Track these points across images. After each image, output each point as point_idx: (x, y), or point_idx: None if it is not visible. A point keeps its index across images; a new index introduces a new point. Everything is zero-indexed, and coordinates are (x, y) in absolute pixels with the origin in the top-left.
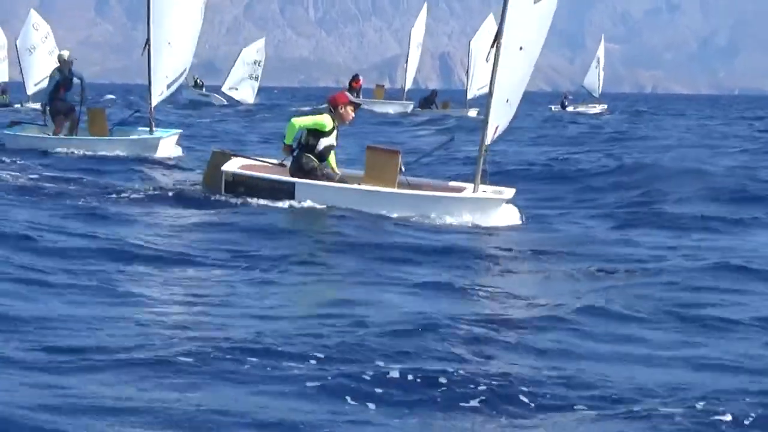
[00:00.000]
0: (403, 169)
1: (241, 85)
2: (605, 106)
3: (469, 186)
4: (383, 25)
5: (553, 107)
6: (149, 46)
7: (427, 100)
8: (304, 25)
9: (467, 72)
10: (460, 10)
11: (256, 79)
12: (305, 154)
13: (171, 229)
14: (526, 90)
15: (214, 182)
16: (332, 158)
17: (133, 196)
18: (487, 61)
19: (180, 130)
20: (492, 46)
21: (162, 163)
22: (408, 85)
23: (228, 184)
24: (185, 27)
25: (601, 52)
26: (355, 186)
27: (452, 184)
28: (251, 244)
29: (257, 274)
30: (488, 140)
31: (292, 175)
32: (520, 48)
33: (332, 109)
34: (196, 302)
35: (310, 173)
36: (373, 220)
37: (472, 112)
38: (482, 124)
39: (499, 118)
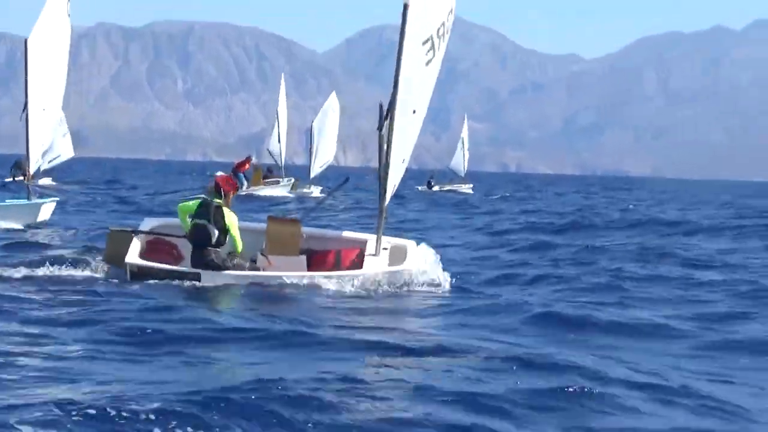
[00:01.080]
0: (304, 236)
1: (58, 150)
2: (471, 186)
3: (371, 237)
4: (251, 98)
5: (419, 188)
6: (27, 110)
7: (265, 177)
8: (171, 97)
9: (310, 150)
10: (327, 86)
11: (65, 135)
12: (213, 250)
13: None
14: None
15: (117, 261)
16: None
17: (26, 273)
18: (379, 130)
19: (57, 198)
20: (385, 118)
21: (51, 235)
22: (282, 162)
23: (133, 274)
24: (55, 93)
25: (465, 134)
26: (262, 273)
27: (352, 236)
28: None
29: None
30: (387, 200)
31: (196, 267)
32: (414, 111)
33: (224, 195)
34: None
35: (221, 268)
36: (276, 301)
37: (316, 191)
38: (380, 185)
39: (396, 178)
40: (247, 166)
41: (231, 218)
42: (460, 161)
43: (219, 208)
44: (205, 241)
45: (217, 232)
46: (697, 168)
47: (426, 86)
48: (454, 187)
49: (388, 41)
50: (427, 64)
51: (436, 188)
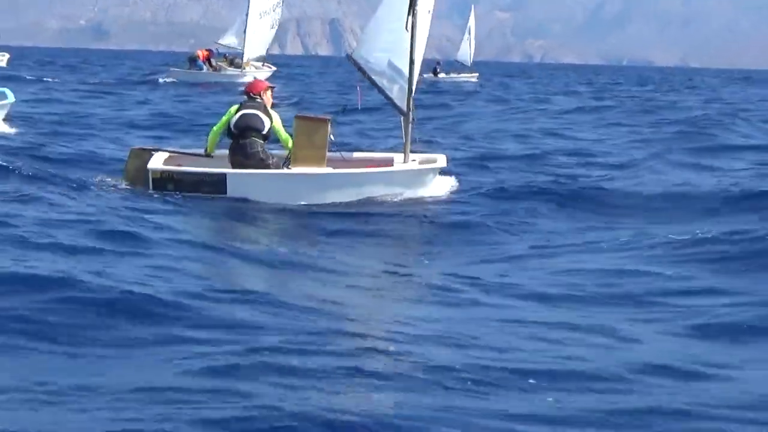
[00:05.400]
0: (333, 137)
1: None
2: (477, 75)
3: (399, 156)
4: None
5: (425, 75)
6: None
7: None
8: None
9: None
10: None
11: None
12: (261, 143)
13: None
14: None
15: (137, 179)
16: None
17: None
18: (407, 29)
19: (10, 99)
20: (409, 14)
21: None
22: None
23: (156, 181)
24: None
25: (471, 23)
26: (287, 171)
27: (378, 155)
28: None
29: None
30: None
31: (243, 167)
32: (429, 11)
33: (254, 97)
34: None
35: (263, 162)
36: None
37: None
38: (407, 94)
39: (415, 81)
40: (203, 56)
41: (277, 119)
42: (467, 51)
43: (266, 107)
44: (256, 128)
45: (268, 122)
46: (724, 58)
47: None
48: (461, 76)
49: None
50: None
51: (441, 75)
